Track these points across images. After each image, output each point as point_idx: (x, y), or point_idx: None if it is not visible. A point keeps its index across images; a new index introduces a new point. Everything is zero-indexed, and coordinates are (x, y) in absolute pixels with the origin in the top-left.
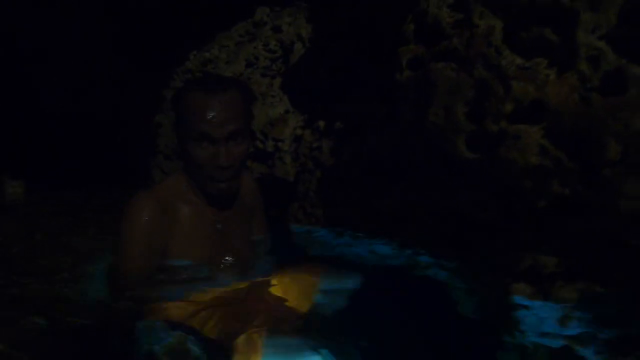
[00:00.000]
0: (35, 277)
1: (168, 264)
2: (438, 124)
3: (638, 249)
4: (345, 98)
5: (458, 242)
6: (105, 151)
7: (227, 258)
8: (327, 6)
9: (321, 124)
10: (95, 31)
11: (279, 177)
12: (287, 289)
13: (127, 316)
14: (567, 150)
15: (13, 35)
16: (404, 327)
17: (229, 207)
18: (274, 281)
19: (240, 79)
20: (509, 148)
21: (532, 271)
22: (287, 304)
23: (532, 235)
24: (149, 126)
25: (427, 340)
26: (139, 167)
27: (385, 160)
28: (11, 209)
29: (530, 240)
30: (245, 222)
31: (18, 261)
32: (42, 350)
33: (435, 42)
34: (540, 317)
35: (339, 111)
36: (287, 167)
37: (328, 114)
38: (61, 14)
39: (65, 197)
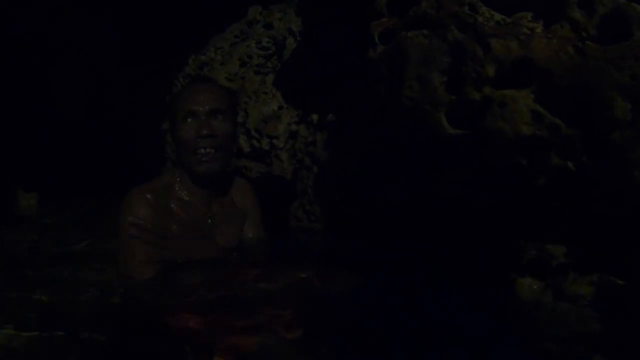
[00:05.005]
0: (42, 285)
1: (167, 258)
2: (414, 99)
3: None
4: (337, 89)
5: (452, 235)
6: (116, 160)
7: (217, 252)
8: None
9: (315, 117)
10: (104, 42)
11: (277, 175)
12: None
13: (138, 321)
14: (565, 114)
15: (27, 47)
16: (404, 334)
17: (219, 192)
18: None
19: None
20: (496, 117)
21: (538, 263)
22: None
23: (534, 221)
24: (157, 134)
25: (432, 348)
26: (149, 175)
27: (372, 149)
28: (25, 220)
29: (533, 227)
30: (236, 218)
31: (25, 270)
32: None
33: (405, 11)
34: (551, 317)
35: (331, 103)
36: (284, 165)
37: (321, 107)
38: (74, 24)
39: (79, 207)
